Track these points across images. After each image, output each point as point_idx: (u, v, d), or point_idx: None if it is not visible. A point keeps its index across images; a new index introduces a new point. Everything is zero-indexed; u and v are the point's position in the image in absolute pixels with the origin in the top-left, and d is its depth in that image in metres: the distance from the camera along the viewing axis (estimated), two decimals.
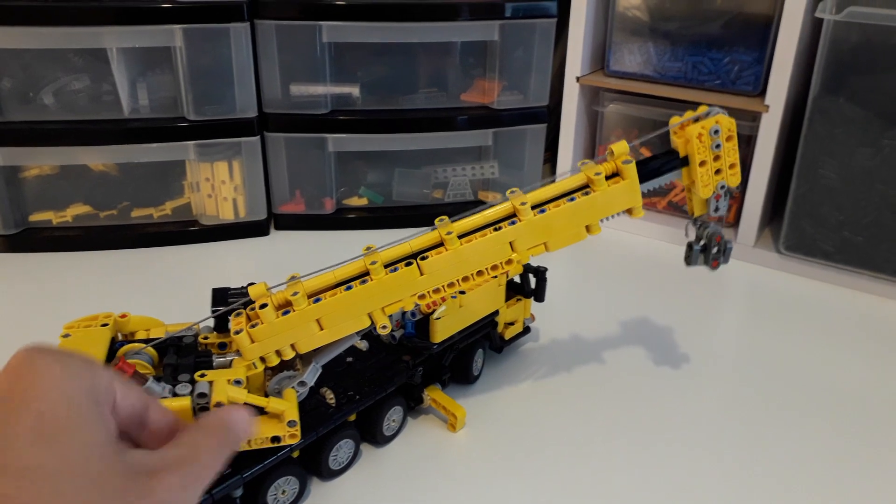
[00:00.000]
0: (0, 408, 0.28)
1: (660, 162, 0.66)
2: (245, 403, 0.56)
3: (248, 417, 0.36)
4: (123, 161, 1.07)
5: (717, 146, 0.65)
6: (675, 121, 0.66)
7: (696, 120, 0.65)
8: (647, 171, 0.64)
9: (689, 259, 0.72)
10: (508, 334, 0.80)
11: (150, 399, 0.34)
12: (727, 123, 0.65)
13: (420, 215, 1.14)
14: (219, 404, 0.54)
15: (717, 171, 0.67)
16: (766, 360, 0.85)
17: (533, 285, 0.80)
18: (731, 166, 0.67)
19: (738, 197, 1.06)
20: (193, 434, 0.34)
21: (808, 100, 0.96)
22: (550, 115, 1.17)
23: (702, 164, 0.66)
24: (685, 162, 0.66)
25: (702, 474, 0.67)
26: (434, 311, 0.69)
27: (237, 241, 1.12)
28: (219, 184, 1.09)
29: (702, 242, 0.72)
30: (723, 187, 0.68)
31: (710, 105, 0.66)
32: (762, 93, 0.99)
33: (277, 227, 1.16)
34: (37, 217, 1.08)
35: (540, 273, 0.80)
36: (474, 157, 1.19)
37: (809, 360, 0.85)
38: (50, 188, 1.09)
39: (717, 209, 0.69)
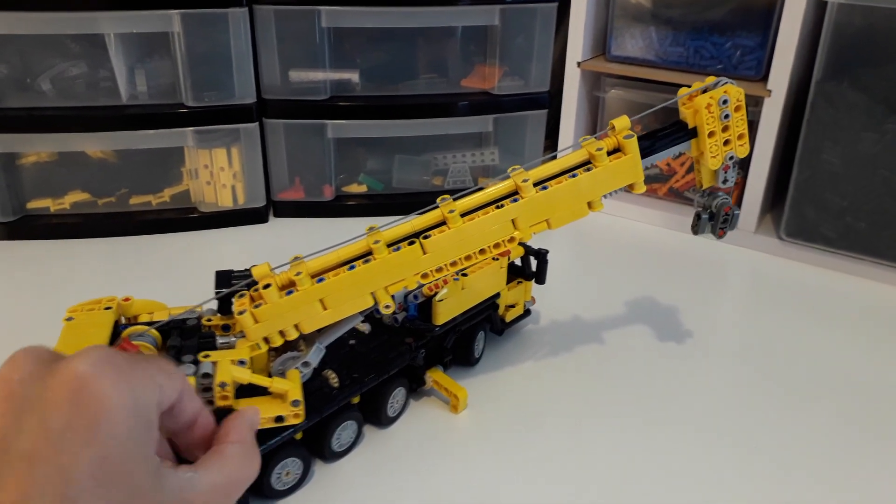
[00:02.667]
0: (60, 441, 0.27)
1: (661, 136, 0.65)
2: (248, 384, 0.56)
3: (257, 413, 0.39)
4: (122, 148, 1.07)
5: (726, 116, 0.65)
6: (683, 91, 0.66)
7: (705, 90, 0.65)
8: (648, 145, 0.64)
9: (697, 228, 0.72)
10: (509, 317, 0.80)
11: (185, 387, 0.34)
12: (736, 93, 0.65)
13: (420, 202, 1.11)
14: (223, 384, 0.53)
15: (726, 142, 0.66)
16: (766, 346, 0.85)
17: (534, 268, 0.80)
18: (740, 137, 0.67)
19: (739, 182, 1.06)
20: (230, 454, 0.34)
21: (810, 85, 0.95)
22: (551, 101, 1.16)
23: (710, 134, 0.65)
24: (691, 134, 0.66)
25: (702, 457, 0.67)
26: (436, 293, 0.69)
27: (236, 229, 1.11)
28: (217, 170, 1.09)
29: (709, 211, 0.71)
30: (731, 158, 0.67)
31: (717, 75, 0.66)
32: (764, 77, 0.99)
33: (276, 215, 1.15)
34: (35, 204, 1.07)
35: (541, 256, 0.79)
36: (475, 143, 1.18)
37: (810, 347, 0.85)
38: (48, 175, 1.08)
39: (725, 180, 0.69)
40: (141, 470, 0.29)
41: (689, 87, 0.67)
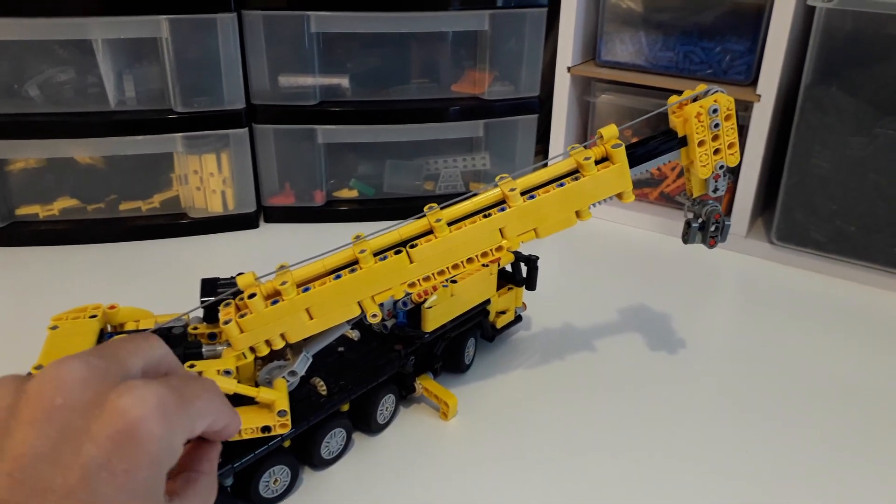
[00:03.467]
0: (97, 479, 0.26)
1: (651, 145, 0.65)
2: (235, 393, 0.55)
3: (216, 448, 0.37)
4: (110, 154, 1.06)
5: (716, 125, 0.65)
6: (673, 100, 0.66)
7: (695, 99, 0.65)
8: (637, 154, 0.64)
9: (687, 237, 0.72)
10: (500, 323, 0.79)
11: (219, 414, 0.34)
12: (726, 102, 0.65)
13: (411, 207, 1.11)
14: None
15: (716, 151, 0.66)
16: (757, 350, 0.85)
17: (524, 274, 0.80)
18: (730, 146, 0.67)
19: (730, 187, 1.06)
20: (200, 486, 0.34)
21: (800, 89, 0.95)
22: (542, 106, 1.16)
23: (700, 143, 0.65)
24: (681, 143, 0.66)
25: (694, 462, 0.67)
26: (425, 300, 0.69)
27: (226, 234, 1.11)
28: (207, 176, 1.08)
29: (700, 220, 0.71)
30: (721, 167, 0.67)
31: (708, 84, 0.66)
32: (754, 82, 0.99)
33: (267, 220, 1.15)
34: (23, 211, 1.07)
35: (531, 262, 0.79)
36: (465, 148, 1.18)
37: (801, 351, 0.85)
38: (36, 181, 1.08)
39: (715, 189, 0.69)
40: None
41: (680, 94, 0.67)
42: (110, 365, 0.29)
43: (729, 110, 0.65)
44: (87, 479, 0.26)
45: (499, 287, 0.77)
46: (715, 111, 0.64)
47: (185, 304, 0.64)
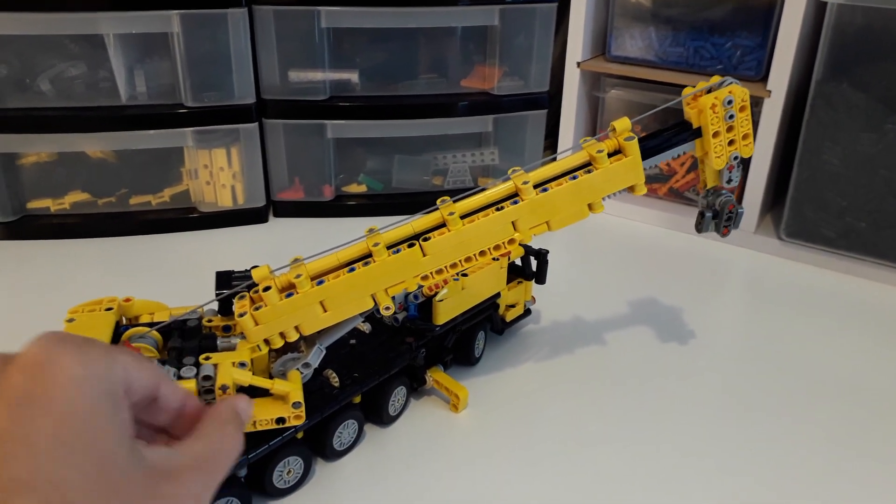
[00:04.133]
0: (19, 412, 0.27)
1: (664, 137, 0.65)
2: (250, 385, 0.56)
3: (250, 403, 0.37)
4: (121, 148, 1.07)
5: (731, 116, 0.65)
6: (688, 91, 0.66)
7: (710, 90, 0.65)
8: (650, 146, 0.64)
9: (701, 226, 0.72)
10: (510, 316, 0.80)
11: (161, 376, 0.34)
12: (741, 93, 0.65)
13: (420, 202, 1.11)
14: (224, 387, 0.53)
15: (731, 142, 0.67)
16: (766, 346, 0.85)
17: (534, 268, 0.80)
18: (745, 137, 0.67)
19: (739, 182, 1.06)
20: (209, 430, 0.34)
21: (810, 85, 0.95)
22: (551, 101, 1.16)
23: (715, 134, 0.65)
24: (694, 134, 0.66)
25: (702, 457, 0.67)
26: (436, 293, 0.69)
27: (236, 229, 1.11)
28: (217, 171, 1.09)
29: (713, 210, 0.72)
30: (736, 158, 0.67)
31: (723, 75, 0.66)
32: (764, 78, 0.99)
33: (276, 215, 1.15)
34: (35, 204, 1.07)
35: (541, 256, 0.80)
36: (474, 143, 1.18)
37: (810, 347, 0.85)
38: (48, 175, 1.08)
39: (730, 180, 0.69)
40: (110, 441, 0.28)
41: (694, 86, 0.67)
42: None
43: (744, 101, 0.66)
44: (14, 416, 0.26)
45: (508, 281, 0.78)
46: (730, 102, 0.65)
47: (195, 297, 0.65)
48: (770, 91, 0.97)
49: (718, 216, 0.71)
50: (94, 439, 0.27)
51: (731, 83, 0.65)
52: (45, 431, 0.26)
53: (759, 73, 1.00)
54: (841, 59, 0.92)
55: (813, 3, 0.94)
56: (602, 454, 0.67)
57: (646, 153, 0.63)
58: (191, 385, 0.53)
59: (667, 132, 0.66)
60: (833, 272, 1.01)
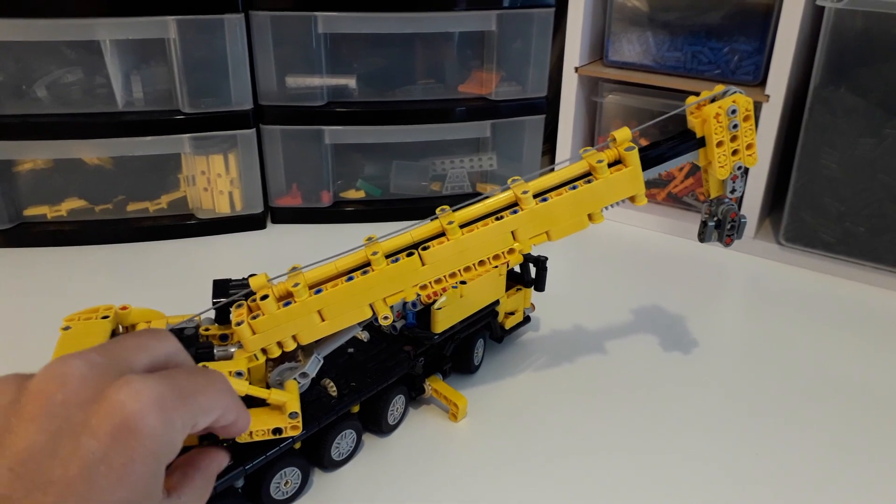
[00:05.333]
0: (95, 475, 0.26)
1: (665, 147, 0.65)
2: (246, 395, 0.55)
3: (226, 456, 0.37)
4: (118, 154, 1.06)
5: (735, 126, 0.65)
6: (691, 101, 0.66)
7: (713, 100, 0.65)
8: (650, 157, 0.64)
9: (703, 236, 0.72)
10: (509, 324, 0.79)
11: (226, 408, 0.34)
12: (744, 103, 0.65)
13: (418, 208, 1.14)
14: None
15: (735, 152, 0.66)
16: (765, 351, 0.84)
17: (533, 275, 0.80)
18: (748, 146, 0.67)
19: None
20: (199, 484, 0.34)
21: (808, 89, 0.95)
22: (549, 107, 1.16)
23: (719, 144, 0.65)
24: (699, 144, 0.66)
25: (703, 463, 0.67)
26: (435, 301, 0.69)
27: (234, 235, 1.11)
28: (214, 177, 1.08)
29: (715, 219, 0.71)
30: (739, 168, 0.67)
31: (722, 82, 0.66)
32: (762, 82, 0.99)
33: (274, 221, 1.15)
34: (31, 211, 1.07)
35: (540, 263, 0.79)
36: (472, 149, 1.18)
37: (809, 352, 0.85)
38: (44, 182, 1.08)
39: (733, 190, 0.69)
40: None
41: (689, 95, 0.67)
42: (111, 361, 0.30)
43: (748, 111, 0.65)
44: (86, 472, 0.26)
45: (507, 288, 0.77)
46: (734, 112, 0.64)
47: (193, 305, 0.64)
48: (768, 96, 0.97)
49: (721, 225, 0.71)
50: None
51: (735, 92, 0.65)
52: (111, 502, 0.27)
53: (756, 78, 1.00)
54: (839, 64, 0.92)
55: (811, 8, 0.94)
56: (603, 462, 0.67)
57: (646, 163, 0.63)
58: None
59: (668, 142, 0.66)
60: (832, 277, 1.00)
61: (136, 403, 0.28)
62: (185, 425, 0.30)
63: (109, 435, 0.27)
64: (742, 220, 0.71)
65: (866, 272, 0.99)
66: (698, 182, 1.08)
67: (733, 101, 0.64)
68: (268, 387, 0.58)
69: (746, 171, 0.68)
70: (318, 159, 1.12)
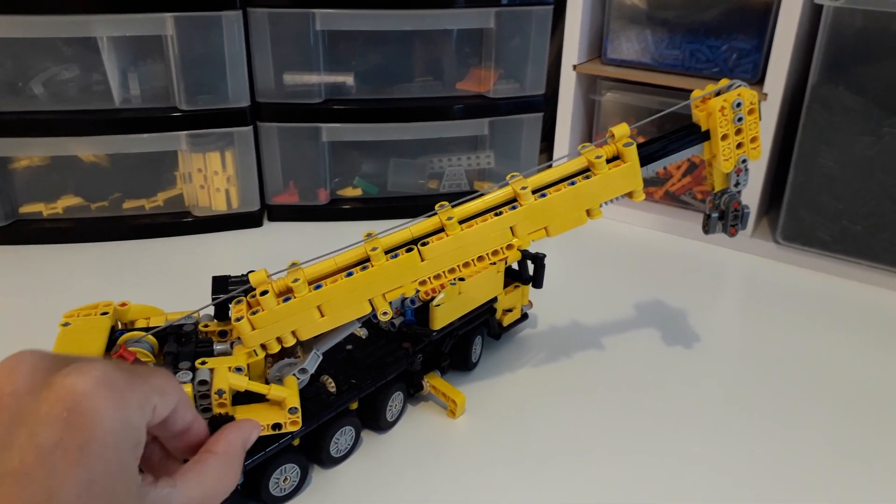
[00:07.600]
0: (49, 458, 0.26)
1: (675, 138, 0.65)
2: (246, 391, 0.55)
3: (257, 427, 0.37)
4: (115, 152, 1.06)
5: (740, 119, 0.65)
6: (697, 94, 0.66)
7: (718, 93, 0.65)
8: (649, 152, 0.64)
9: (707, 227, 0.72)
10: (507, 321, 0.79)
11: (181, 398, 0.33)
12: (749, 96, 0.65)
13: (415, 206, 1.13)
14: (220, 392, 0.53)
15: (739, 145, 0.66)
16: (762, 350, 0.85)
17: (531, 272, 0.80)
18: (753, 140, 0.67)
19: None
20: (211, 468, 0.34)
21: (806, 88, 0.95)
22: (547, 104, 1.16)
23: (724, 137, 0.65)
24: (703, 137, 0.66)
25: (701, 460, 0.67)
26: (433, 298, 0.69)
27: (230, 233, 1.11)
28: (211, 174, 1.08)
29: (719, 210, 0.71)
30: (744, 161, 0.67)
31: (731, 78, 0.66)
32: (760, 81, 0.99)
33: (271, 219, 1.15)
34: (27, 209, 1.07)
35: (538, 260, 0.79)
36: (470, 146, 1.18)
37: (807, 351, 0.85)
38: (40, 179, 1.07)
39: (737, 183, 0.69)
40: (125, 491, 0.28)
41: (688, 93, 0.67)
42: (65, 356, 0.30)
43: (752, 104, 0.65)
44: (43, 459, 0.26)
45: (505, 285, 0.77)
46: (738, 105, 0.65)
47: (190, 302, 0.64)
48: (766, 94, 0.97)
49: (725, 216, 0.71)
50: (113, 495, 0.28)
51: (740, 86, 0.65)
52: (71, 486, 0.26)
53: (755, 76, 1.00)
54: (837, 62, 0.92)
55: (809, 6, 0.94)
56: (600, 459, 0.67)
57: (645, 159, 0.63)
58: (186, 390, 0.53)
59: (676, 134, 0.66)
60: (829, 275, 1.01)
61: (85, 385, 0.28)
62: (143, 406, 0.30)
63: (62, 419, 0.27)
64: (745, 209, 0.71)
65: (863, 271, 0.99)
66: (696, 180, 1.08)
67: (738, 95, 0.64)
68: (267, 382, 0.58)
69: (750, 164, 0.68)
70: (316, 157, 1.11)
